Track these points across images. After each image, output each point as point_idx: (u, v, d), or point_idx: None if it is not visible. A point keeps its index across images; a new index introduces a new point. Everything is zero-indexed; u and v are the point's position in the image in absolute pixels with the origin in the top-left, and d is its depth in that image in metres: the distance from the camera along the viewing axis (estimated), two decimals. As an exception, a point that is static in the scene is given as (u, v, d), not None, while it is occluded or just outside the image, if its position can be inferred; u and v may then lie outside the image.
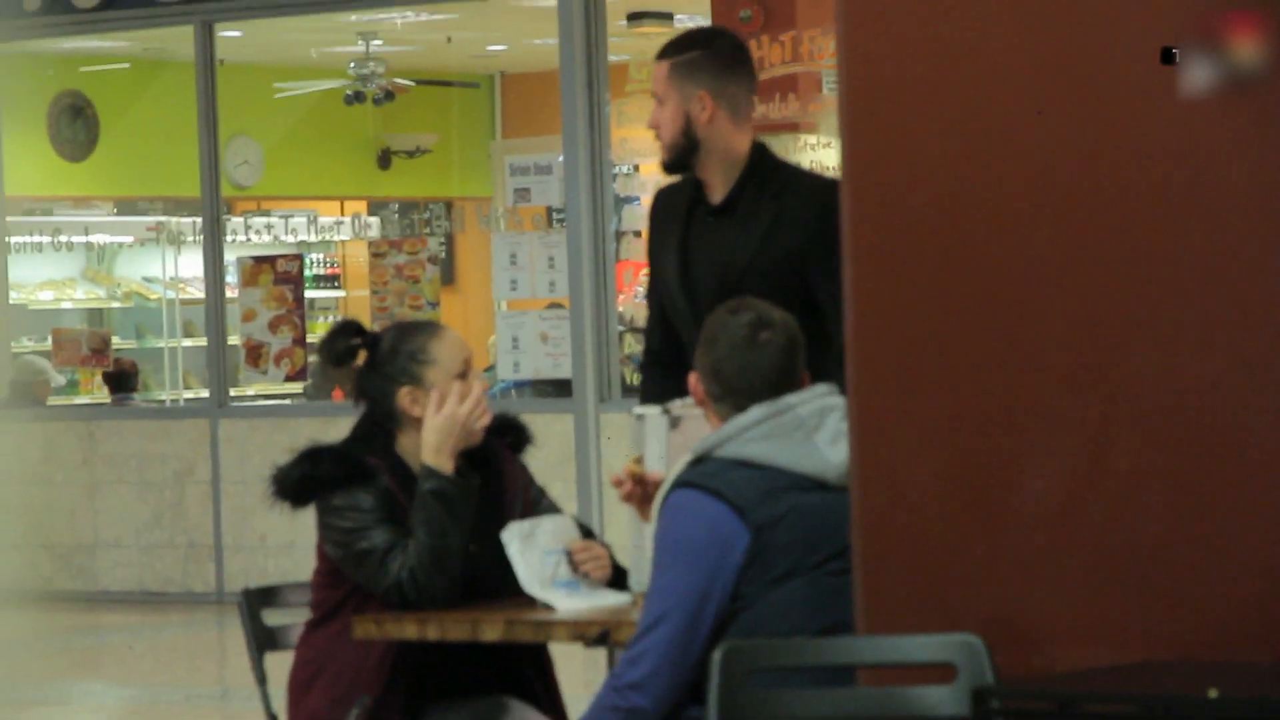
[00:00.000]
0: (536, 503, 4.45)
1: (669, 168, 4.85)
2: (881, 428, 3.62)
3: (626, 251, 10.69)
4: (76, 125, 13.34)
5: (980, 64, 3.58)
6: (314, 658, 4.32)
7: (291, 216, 13.78)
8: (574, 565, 4.29)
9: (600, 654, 4.63)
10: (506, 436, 4.50)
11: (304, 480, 4.27)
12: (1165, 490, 3.47)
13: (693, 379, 4.01)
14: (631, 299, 10.84)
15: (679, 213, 4.87)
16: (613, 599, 4.28)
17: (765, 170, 4.78)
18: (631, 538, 4.31)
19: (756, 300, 4.11)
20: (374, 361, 4.35)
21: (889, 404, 3.62)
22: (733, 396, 3.95)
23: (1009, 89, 3.56)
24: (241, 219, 13.54)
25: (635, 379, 10.62)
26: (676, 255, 4.86)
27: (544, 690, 4.42)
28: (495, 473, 4.39)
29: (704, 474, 3.87)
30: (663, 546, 3.85)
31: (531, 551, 4.27)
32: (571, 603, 4.24)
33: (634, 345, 10.75)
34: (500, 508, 4.36)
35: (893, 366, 3.62)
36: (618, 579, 4.35)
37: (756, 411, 3.91)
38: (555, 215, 10.79)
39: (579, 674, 7.13)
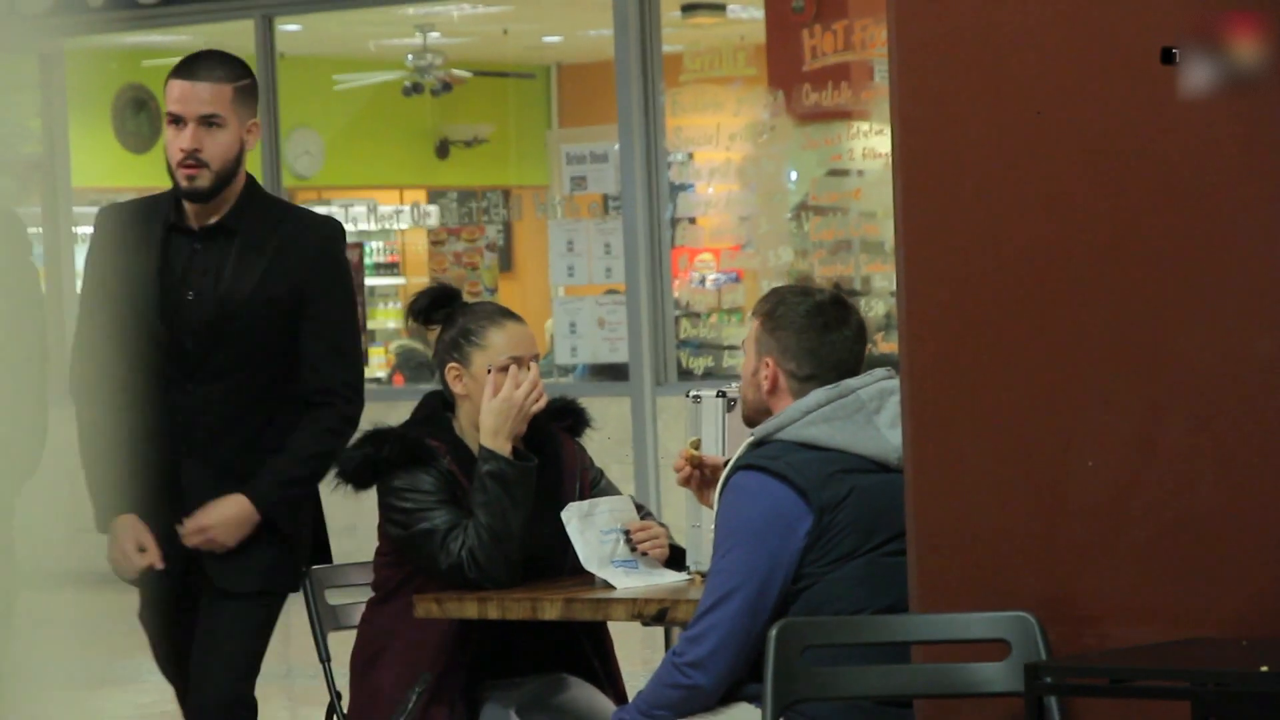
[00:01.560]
0: (595, 484, 4.49)
1: (208, 195, 4.53)
2: (935, 409, 3.64)
3: (681, 238, 10.72)
4: (140, 118, 13.43)
5: (1030, 51, 3.58)
6: (377, 636, 4.37)
7: (352, 206, 13.85)
8: (632, 545, 4.32)
9: (657, 632, 4.68)
10: (565, 420, 4.54)
11: (366, 462, 4.31)
12: (1217, 470, 3.48)
13: (767, 364, 3.98)
14: (687, 284, 10.88)
15: (152, 235, 4.59)
16: (670, 578, 4.32)
17: (262, 199, 4.60)
18: (689, 518, 4.34)
19: (810, 284, 4.13)
20: (442, 332, 4.41)
21: (942, 386, 3.64)
22: (823, 375, 3.94)
23: (1059, 74, 3.57)
24: (302, 209, 13.60)
25: (690, 363, 10.66)
26: (155, 280, 4.54)
27: (602, 668, 4.46)
28: (553, 455, 4.42)
29: (767, 456, 3.87)
30: (726, 528, 3.86)
31: (590, 530, 4.30)
32: (630, 581, 4.26)
33: (689, 329, 10.79)
34: (558, 490, 4.39)
35: (945, 349, 3.64)
36: (675, 559, 4.39)
37: (819, 394, 3.91)
38: (611, 202, 10.83)
39: (636, 652, 7.17)
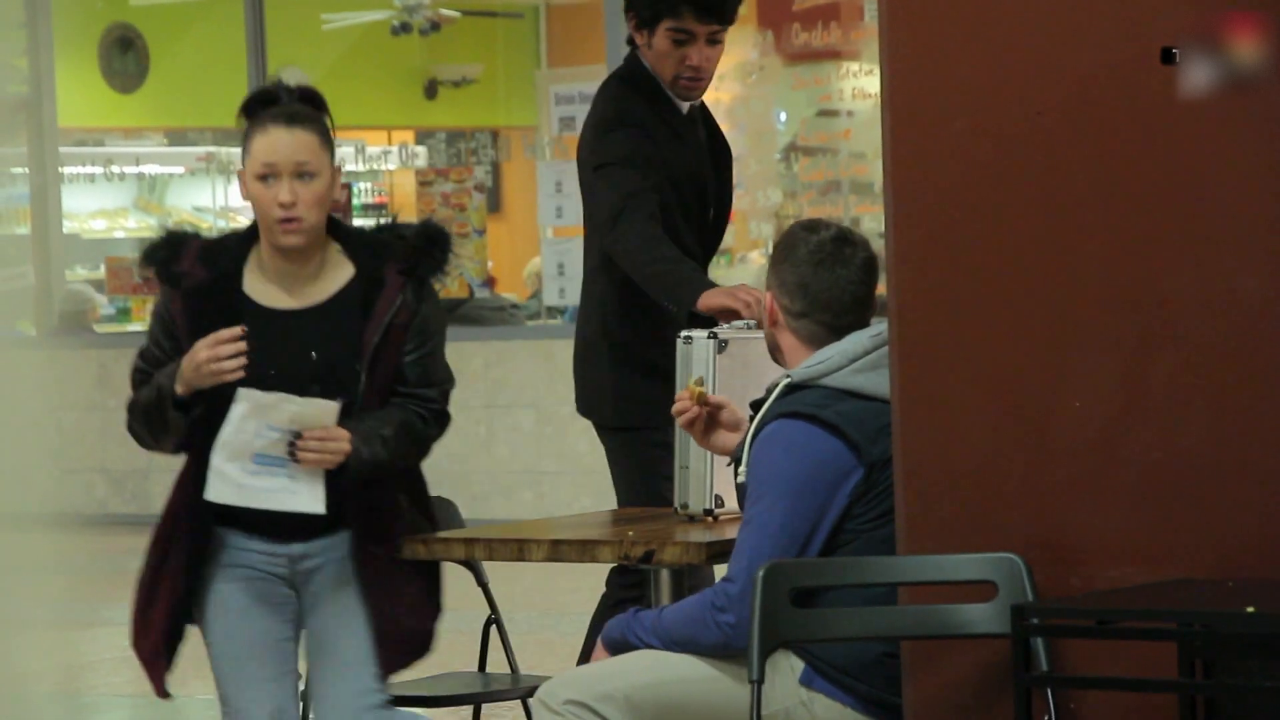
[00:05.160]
0: (413, 343, 4.11)
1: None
2: (923, 350, 3.63)
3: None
4: (127, 57, 13.37)
5: (1020, -12, 3.58)
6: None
7: (339, 146, 13.80)
8: (293, 450, 4.00)
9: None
10: (405, 262, 4.12)
11: (159, 266, 4.13)
12: (1204, 409, 3.48)
13: (768, 298, 3.91)
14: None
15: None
16: (301, 505, 4.02)
17: None
18: (678, 459, 4.30)
19: (830, 220, 4.07)
20: None
21: (930, 327, 3.63)
22: (817, 313, 3.85)
23: (1049, 13, 3.56)
24: (290, 149, 13.55)
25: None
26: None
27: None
28: (370, 296, 4.09)
29: (812, 404, 3.76)
30: (766, 478, 3.75)
31: (255, 422, 4.00)
32: (250, 481, 3.99)
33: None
34: (361, 331, 4.07)
35: (933, 291, 3.62)
36: (339, 474, 4.03)
37: (862, 340, 3.82)
38: (600, 144, 10.77)
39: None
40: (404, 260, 4.14)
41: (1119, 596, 3.42)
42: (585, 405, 5.12)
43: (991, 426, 3.59)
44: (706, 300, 4.68)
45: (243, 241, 4.19)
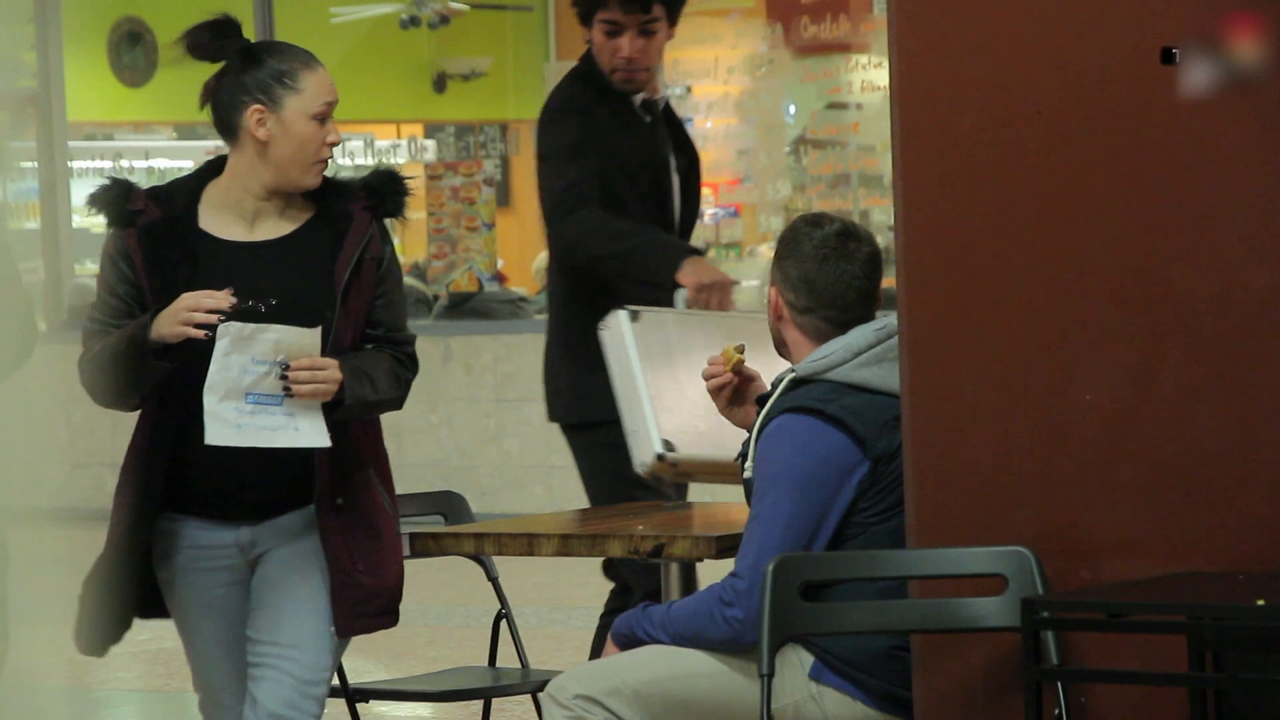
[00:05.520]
0: (381, 281, 4.05)
1: None
2: (933, 343, 3.63)
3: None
4: (136, 51, 13.39)
5: (1029, -19, 3.58)
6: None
7: (348, 140, 13.81)
8: (287, 383, 3.87)
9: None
10: (369, 200, 4.06)
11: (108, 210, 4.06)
12: (1213, 403, 3.48)
13: (772, 293, 3.92)
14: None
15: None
16: (305, 440, 3.87)
17: None
18: (625, 424, 4.25)
19: (833, 214, 4.07)
20: (238, 66, 4.05)
21: (940, 320, 3.63)
22: (821, 309, 3.85)
23: (1058, 6, 3.56)
24: (299, 143, 13.56)
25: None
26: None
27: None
28: (338, 231, 4.02)
29: (817, 398, 3.77)
30: (772, 473, 3.75)
31: (240, 355, 3.87)
32: (246, 419, 3.85)
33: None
34: (332, 263, 3.99)
35: (944, 282, 3.62)
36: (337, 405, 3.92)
37: (866, 334, 3.82)
38: (610, 137, 10.77)
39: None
40: (366, 198, 4.06)
41: (1129, 589, 3.42)
42: (550, 407, 5.14)
43: (1001, 420, 3.58)
44: (684, 274, 4.80)
45: (194, 181, 4.14)
